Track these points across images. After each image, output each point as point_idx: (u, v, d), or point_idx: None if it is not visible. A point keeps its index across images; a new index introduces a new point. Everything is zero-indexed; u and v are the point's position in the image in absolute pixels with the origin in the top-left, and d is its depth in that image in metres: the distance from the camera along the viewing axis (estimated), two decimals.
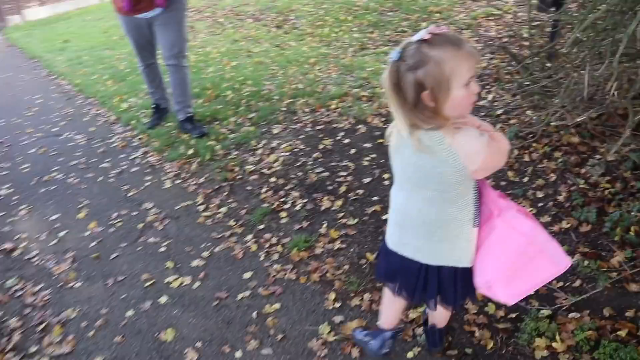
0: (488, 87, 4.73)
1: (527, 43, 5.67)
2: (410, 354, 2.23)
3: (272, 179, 3.70)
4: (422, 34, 1.40)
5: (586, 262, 2.51)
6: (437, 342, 2.19)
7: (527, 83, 3.93)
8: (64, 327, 2.68)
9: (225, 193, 3.63)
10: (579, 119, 2.70)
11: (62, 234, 3.46)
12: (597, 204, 2.81)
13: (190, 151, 4.23)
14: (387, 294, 2.02)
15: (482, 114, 4.20)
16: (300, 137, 4.31)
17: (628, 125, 2.29)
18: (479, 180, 1.61)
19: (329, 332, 2.40)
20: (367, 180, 3.53)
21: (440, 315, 2.09)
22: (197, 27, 8.63)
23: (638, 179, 2.91)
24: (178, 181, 3.90)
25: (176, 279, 2.89)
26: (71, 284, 2.98)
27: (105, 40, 9.49)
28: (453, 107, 1.43)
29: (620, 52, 1.86)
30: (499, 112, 4.12)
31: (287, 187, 3.57)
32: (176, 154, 4.25)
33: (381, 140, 4.01)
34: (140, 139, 4.74)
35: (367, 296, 2.56)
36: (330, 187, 3.52)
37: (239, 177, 3.80)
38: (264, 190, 3.59)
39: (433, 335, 2.19)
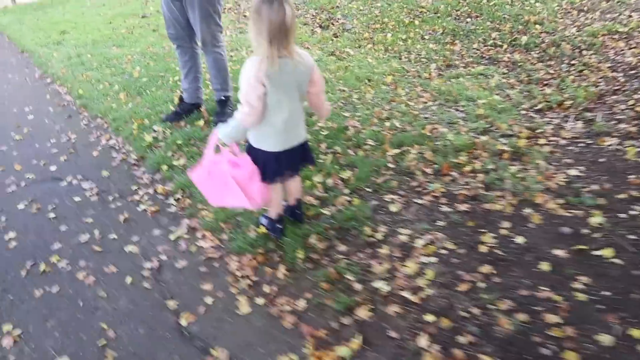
0: None
1: None
2: None
3: (428, 317, 2.19)
4: None
5: None
6: (302, 214, 2.78)
7: None
8: None
9: (354, 339, 2.13)
10: None
11: None
12: None
13: (271, 244, 2.72)
14: (276, 191, 2.56)
15: None
16: (438, 223, 2.77)
17: None
18: None
19: None
20: (603, 338, 1.98)
21: (298, 186, 2.70)
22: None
23: None
24: (260, 302, 2.39)
25: None
26: None
27: (111, 34, 7.94)
28: None
29: None
30: None
31: (462, 340, 2.07)
32: (243, 242, 2.74)
33: (582, 247, 2.49)
34: (178, 200, 3.25)
35: None
36: (544, 351, 1.98)
37: (370, 306, 2.31)
38: (417, 339, 2.11)
39: (299, 208, 2.76)
